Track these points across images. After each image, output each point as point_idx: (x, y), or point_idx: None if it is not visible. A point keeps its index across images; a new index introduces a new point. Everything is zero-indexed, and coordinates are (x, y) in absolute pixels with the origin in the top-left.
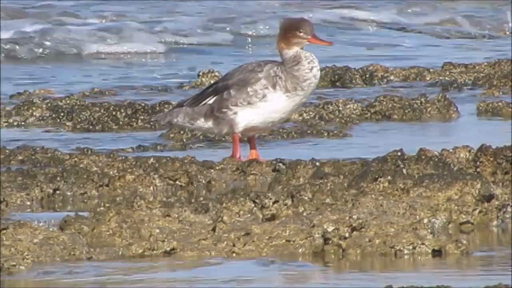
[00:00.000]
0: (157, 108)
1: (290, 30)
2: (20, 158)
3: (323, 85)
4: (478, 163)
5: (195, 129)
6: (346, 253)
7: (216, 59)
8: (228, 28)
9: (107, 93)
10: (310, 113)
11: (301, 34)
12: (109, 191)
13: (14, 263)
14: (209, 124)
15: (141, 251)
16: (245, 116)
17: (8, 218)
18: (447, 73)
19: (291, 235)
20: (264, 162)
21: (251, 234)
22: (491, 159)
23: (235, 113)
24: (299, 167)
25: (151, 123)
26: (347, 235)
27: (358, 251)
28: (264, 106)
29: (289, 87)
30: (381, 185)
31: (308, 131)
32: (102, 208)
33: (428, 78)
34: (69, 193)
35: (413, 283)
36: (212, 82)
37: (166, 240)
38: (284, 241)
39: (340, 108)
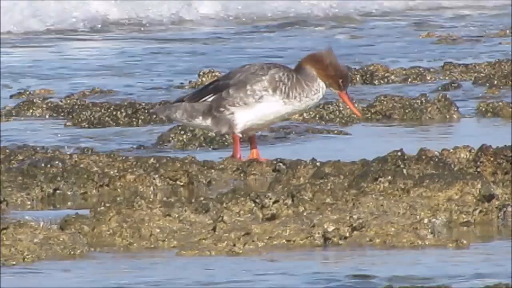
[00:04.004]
0: (157, 105)
1: (333, 71)
2: (21, 158)
3: None
4: (478, 163)
5: (193, 126)
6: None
7: None
8: None
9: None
10: (311, 113)
11: (341, 84)
12: (109, 191)
13: (14, 263)
14: (208, 122)
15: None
16: (243, 117)
17: (7, 217)
18: (448, 73)
19: (291, 234)
20: (264, 162)
21: (251, 234)
22: (492, 159)
23: (232, 113)
24: (299, 167)
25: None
26: (347, 234)
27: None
28: (260, 108)
29: (291, 94)
30: (382, 185)
31: (309, 131)
32: (102, 208)
33: (428, 78)
34: (69, 193)
35: (413, 282)
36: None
37: (166, 239)
38: (284, 241)
39: (341, 108)
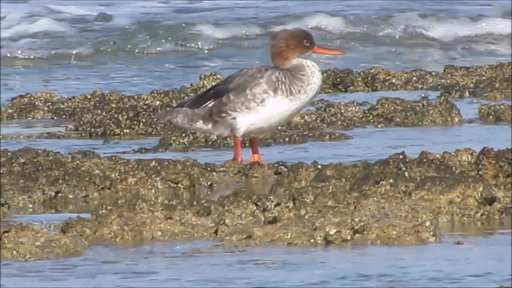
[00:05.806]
0: (159, 111)
1: (294, 41)
2: (22, 160)
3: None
4: (480, 166)
5: (194, 130)
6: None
7: None
8: None
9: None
10: (312, 116)
11: (308, 44)
12: (111, 193)
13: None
14: (209, 126)
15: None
16: (245, 121)
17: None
18: (449, 76)
19: (293, 237)
20: (266, 165)
21: (253, 236)
22: (493, 162)
23: (234, 118)
24: (301, 169)
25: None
26: (349, 237)
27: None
28: (263, 111)
29: (293, 90)
30: (383, 188)
31: (310, 134)
32: (104, 211)
33: (430, 81)
34: (71, 196)
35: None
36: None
37: (168, 243)
38: (286, 244)
39: (342, 111)
